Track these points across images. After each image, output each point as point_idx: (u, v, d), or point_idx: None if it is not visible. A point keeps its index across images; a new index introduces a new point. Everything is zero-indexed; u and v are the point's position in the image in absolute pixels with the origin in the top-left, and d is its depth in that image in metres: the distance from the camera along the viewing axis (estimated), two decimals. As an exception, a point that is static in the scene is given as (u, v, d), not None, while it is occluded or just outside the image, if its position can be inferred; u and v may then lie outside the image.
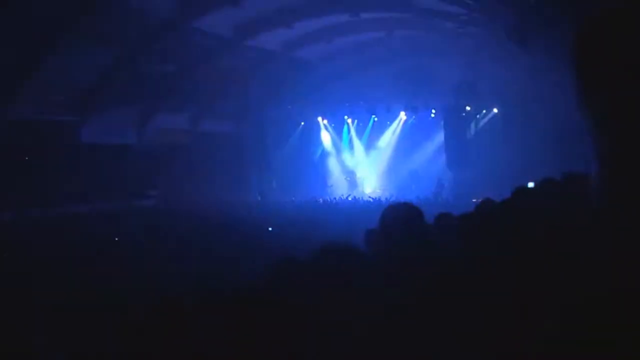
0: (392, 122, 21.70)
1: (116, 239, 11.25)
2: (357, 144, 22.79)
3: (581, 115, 1.32)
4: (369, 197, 20.38)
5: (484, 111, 19.07)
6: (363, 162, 22.69)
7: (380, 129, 22.10)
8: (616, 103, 1.25)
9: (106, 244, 10.66)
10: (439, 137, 20.19)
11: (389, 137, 22.01)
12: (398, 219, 2.79)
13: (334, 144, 23.06)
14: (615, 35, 1.25)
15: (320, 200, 20.94)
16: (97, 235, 11.29)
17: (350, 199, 19.82)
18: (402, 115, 21.19)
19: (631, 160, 1.24)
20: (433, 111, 20.13)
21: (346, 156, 22.93)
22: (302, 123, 22.72)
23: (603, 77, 1.27)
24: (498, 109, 18.63)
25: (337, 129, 22.82)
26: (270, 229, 12.64)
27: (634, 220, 1.23)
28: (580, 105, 1.33)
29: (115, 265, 8.36)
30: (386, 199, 17.60)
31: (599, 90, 1.29)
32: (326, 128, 22.83)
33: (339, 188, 21.88)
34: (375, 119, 21.85)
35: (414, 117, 21.06)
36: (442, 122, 19.66)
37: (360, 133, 22.60)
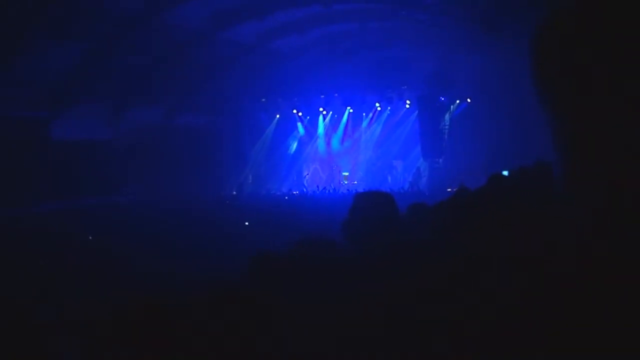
0: (367, 113, 21.74)
1: (90, 237, 11.08)
2: (333, 136, 22.77)
3: (540, 107, 1.34)
4: (346, 188, 20.46)
5: (458, 101, 19.22)
6: (339, 154, 22.70)
7: (355, 120, 22.12)
8: (571, 97, 1.28)
9: (80, 242, 10.50)
10: (414, 128, 20.30)
11: (365, 128, 22.06)
12: (368, 208, 2.80)
13: (309, 136, 23.01)
14: (572, 31, 1.27)
15: (297, 192, 20.96)
16: (70, 234, 11.10)
17: (326, 191, 19.85)
18: (377, 107, 21.24)
19: (586, 148, 1.27)
20: (408, 102, 20.23)
21: (322, 148, 22.90)
22: (278, 115, 22.61)
23: (559, 72, 1.29)
24: (471, 99, 18.78)
25: (313, 121, 22.75)
26: (246, 223, 12.59)
27: (590, 202, 1.27)
28: (539, 98, 1.36)
29: (89, 263, 8.24)
30: (362, 190, 17.65)
31: (556, 83, 1.31)
32: (301, 120, 22.76)
33: (314, 180, 21.89)
34: (351, 110, 21.86)
35: (389, 108, 21.15)
36: (416, 113, 19.78)
37: (335, 125, 22.58)
